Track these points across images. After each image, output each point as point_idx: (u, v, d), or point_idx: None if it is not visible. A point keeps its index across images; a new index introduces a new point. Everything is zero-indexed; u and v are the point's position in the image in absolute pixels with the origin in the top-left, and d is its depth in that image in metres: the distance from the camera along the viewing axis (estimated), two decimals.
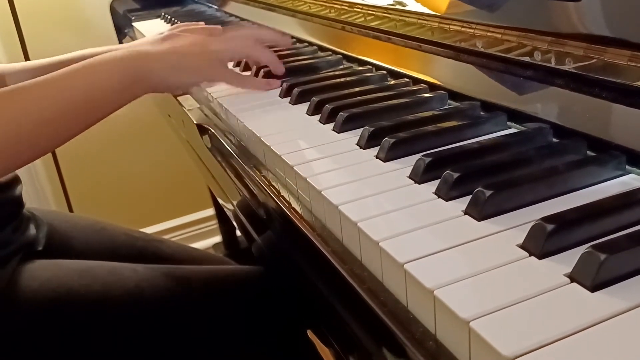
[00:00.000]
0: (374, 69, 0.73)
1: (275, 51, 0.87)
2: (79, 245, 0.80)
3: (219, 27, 0.84)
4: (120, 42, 1.51)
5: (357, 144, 0.52)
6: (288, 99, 0.68)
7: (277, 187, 0.52)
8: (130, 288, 0.65)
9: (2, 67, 0.83)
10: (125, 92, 0.62)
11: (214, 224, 1.85)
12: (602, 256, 0.30)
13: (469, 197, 0.39)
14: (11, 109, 0.54)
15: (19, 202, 0.73)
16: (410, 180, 0.44)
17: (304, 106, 0.64)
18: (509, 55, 0.52)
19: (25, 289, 0.62)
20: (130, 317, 0.64)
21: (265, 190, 0.52)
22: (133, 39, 1.35)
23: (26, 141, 0.55)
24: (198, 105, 0.79)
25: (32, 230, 0.73)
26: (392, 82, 0.68)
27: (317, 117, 0.60)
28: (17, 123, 0.54)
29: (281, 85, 0.71)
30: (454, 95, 0.59)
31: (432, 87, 0.62)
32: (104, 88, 0.60)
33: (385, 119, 0.55)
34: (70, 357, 0.62)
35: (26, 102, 0.54)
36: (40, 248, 0.73)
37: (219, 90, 0.74)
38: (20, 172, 0.68)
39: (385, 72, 0.70)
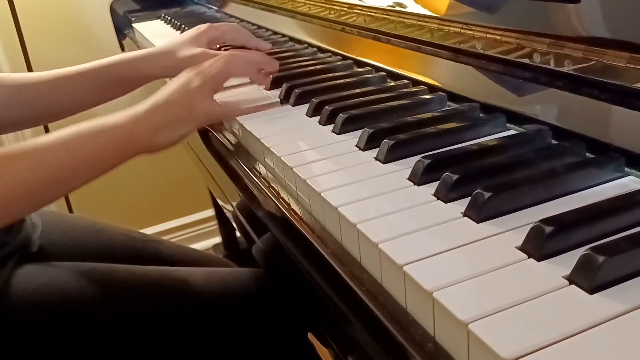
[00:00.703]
0: (373, 70, 0.73)
1: (274, 53, 0.88)
2: (78, 246, 0.80)
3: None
4: (120, 43, 1.51)
5: (357, 146, 0.52)
6: (288, 100, 0.68)
7: (276, 189, 0.52)
8: (127, 291, 0.65)
9: (22, 77, 0.81)
10: (114, 160, 0.61)
11: (213, 224, 1.85)
12: (601, 258, 0.30)
13: (468, 199, 0.39)
14: None
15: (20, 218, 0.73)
16: (409, 182, 0.44)
17: (304, 107, 0.64)
18: (508, 57, 0.52)
19: (22, 292, 0.62)
20: (128, 318, 0.64)
21: (265, 191, 0.52)
22: (133, 40, 1.35)
23: (9, 207, 0.56)
24: None
25: (25, 231, 0.73)
26: (392, 83, 0.68)
27: (317, 118, 0.60)
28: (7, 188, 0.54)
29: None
30: (453, 96, 0.59)
31: (432, 88, 0.62)
32: (95, 159, 0.59)
33: (385, 120, 0.55)
34: (67, 359, 0.62)
35: (11, 173, 0.55)
36: (34, 250, 0.73)
37: (219, 92, 0.74)
38: None
39: (384, 73, 0.70)
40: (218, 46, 0.88)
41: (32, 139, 0.58)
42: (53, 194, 0.59)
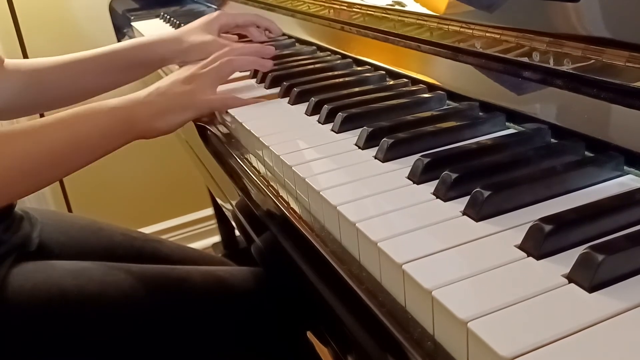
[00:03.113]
0: (372, 69, 0.73)
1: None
2: (77, 245, 0.80)
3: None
4: (119, 41, 1.51)
5: (356, 144, 0.52)
6: (287, 99, 0.68)
7: (275, 188, 0.52)
8: (125, 289, 0.65)
9: (37, 62, 0.83)
10: (113, 141, 0.63)
11: (213, 223, 1.85)
12: (600, 257, 0.30)
13: (467, 198, 0.39)
14: None
15: (20, 198, 0.72)
16: (408, 180, 0.44)
17: (303, 106, 0.64)
18: (507, 56, 0.52)
19: (19, 290, 0.62)
20: (126, 317, 0.64)
21: (264, 190, 0.52)
22: (132, 38, 1.35)
23: (11, 185, 0.57)
24: None
25: (24, 230, 0.73)
26: (391, 82, 0.68)
27: (316, 117, 0.60)
28: (2, 169, 0.56)
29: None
30: (452, 95, 0.59)
31: (431, 87, 0.62)
32: (94, 139, 0.61)
33: (384, 119, 0.55)
34: (65, 358, 0.62)
35: (13, 151, 0.56)
36: (33, 249, 0.73)
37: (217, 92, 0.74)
38: None
39: (384, 72, 0.70)
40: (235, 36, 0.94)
41: (33, 120, 0.59)
42: (53, 174, 0.61)
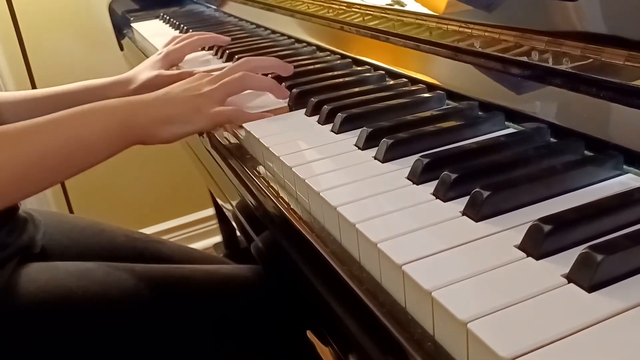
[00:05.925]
0: (372, 69, 0.73)
1: (273, 52, 0.88)
2: (78, 247, 0.80)
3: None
4: (119, 42, 1.51)
5: (356, 145, 0.52)
6: (286, 100, 0.68)
7: (275, 188, 0.52)
8: (128, 289, 0.65)
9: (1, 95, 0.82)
10: (112, 144, 0.60)
11: (214, 223, 1.85)
12: (600, 257, 0.30)
13: (467, 198, 0.39)
14: None
15: (13, 205, 0.73)
16: (408, 181, 0.44)
17: (303, 107, 0.64)
18: (506, 55, 0.52)
19: (23, 292, 0.62)
20: (129, 317, 0.64)
21: (264, 191, 0.52)
22: (132, 39, 1.35)
23: (11, 185, 0.54)
24: None
25: (28, 232, 0.73)
26: (391, 82, 0.68)
27: (316, 117, 0.60)
28: (1, 168, 0.53)
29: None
30: (452, 95, 0.59)
31: (430, 87, 0.62)
32: (90, 140, 0.58)
33: (384, 119, 0.55)
34: (69, 358, 0.62)
35: (12, 150, 0.54)
36: (37, 251, 0.73)
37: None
38: None
39: (383, 72, 0.70)
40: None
41: (28, 120, 0.56)
42: (47, 179, 0.57)
